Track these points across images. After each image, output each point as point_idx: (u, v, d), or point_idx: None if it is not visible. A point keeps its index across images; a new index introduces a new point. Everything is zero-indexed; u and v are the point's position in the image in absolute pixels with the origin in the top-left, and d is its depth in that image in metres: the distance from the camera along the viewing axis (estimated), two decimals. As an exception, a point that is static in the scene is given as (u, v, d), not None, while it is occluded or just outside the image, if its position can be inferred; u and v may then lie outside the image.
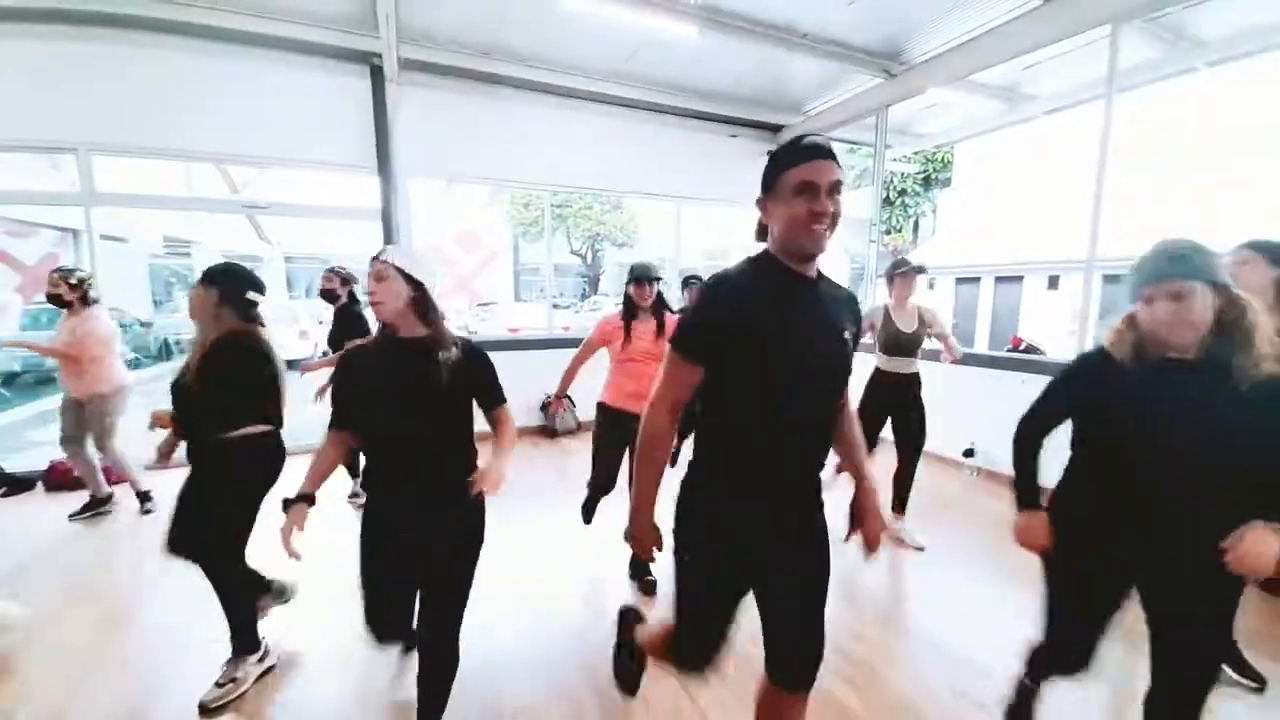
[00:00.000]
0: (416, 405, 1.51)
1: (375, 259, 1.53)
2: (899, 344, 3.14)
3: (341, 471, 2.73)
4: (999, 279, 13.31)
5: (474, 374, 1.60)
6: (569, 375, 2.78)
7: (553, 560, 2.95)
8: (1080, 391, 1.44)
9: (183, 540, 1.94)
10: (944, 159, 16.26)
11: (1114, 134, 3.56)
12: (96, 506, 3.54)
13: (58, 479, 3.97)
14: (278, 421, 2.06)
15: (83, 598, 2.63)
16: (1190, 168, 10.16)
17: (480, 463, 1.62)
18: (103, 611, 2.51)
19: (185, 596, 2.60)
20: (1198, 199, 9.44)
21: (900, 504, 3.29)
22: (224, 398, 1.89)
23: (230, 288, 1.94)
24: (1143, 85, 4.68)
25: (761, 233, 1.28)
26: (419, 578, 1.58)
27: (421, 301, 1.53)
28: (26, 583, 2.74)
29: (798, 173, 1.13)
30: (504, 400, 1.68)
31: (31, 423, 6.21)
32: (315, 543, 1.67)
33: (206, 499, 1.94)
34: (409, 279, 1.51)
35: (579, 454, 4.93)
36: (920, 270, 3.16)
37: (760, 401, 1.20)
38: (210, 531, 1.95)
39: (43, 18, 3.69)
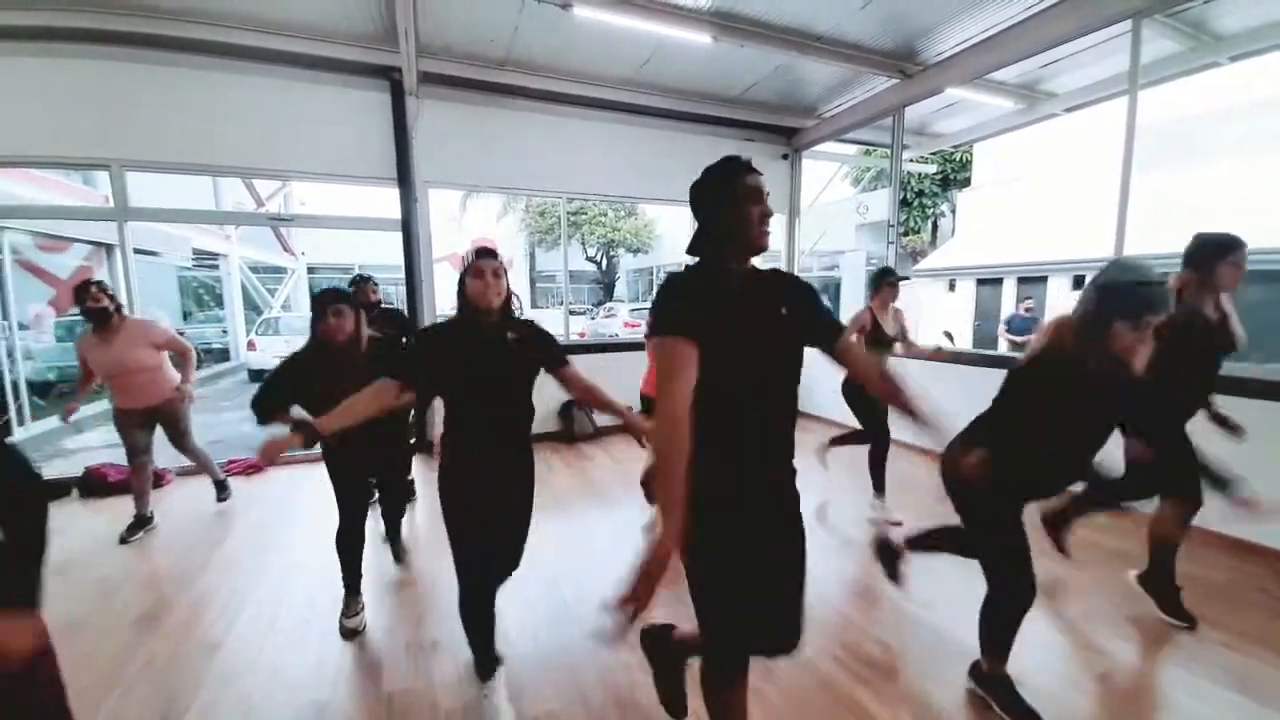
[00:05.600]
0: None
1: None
2: (885, 343, 3.57)
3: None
4: (1022, 279, 13.07)
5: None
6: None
7: (575, 568, 2.96)
8: None
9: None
10: (962, 159, 16.05)
11: (1138, 130, 3.50)
12: (145, 525, 3.46)
13: (93, 485, 4.10)
14: None
15: (114, 602, 2.69)
16: (1215, 162, 9.89)
17: None
18: (133, 616, 2.57)
19: (216, 599, 2.68)
20: (1221, 194, 9.20)
21: (880, 486, 3.67)
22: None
23: None
24: (1165, 81, 4.59)
25: (694, 245, 1.39)
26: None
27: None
28: (60, 588, 2.81)
29: (750, 180, 1.31)
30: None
31: (66, 430, 6.39)
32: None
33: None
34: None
35: (599, 459, 4.95)
36: (904, 279, 3.74)
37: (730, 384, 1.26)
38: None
39: (78, 38, 3.84)
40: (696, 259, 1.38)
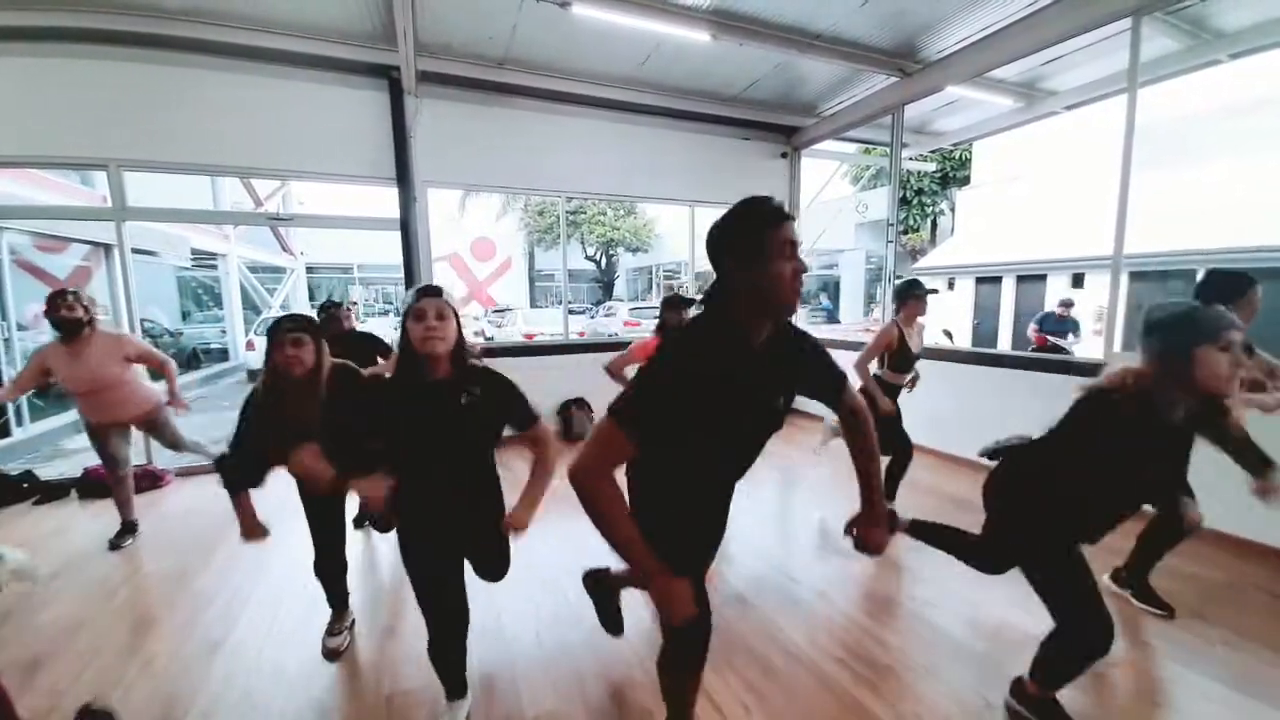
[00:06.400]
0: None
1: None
2: (909, 361, 3.36)
3: None
4: (1021, 278, 13.08)
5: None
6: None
7: (575, 568, 2.95)
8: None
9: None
10: (962, 157, 16.06)
11: (1138, 128, 3.49)
12: (134, 531, 3.38)
13: (92, 487, 4.09)
14: None
15: (115, 603, 2.69)
16: (1215, 160, 9.89)
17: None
18: (134, 616, 2.57)
19: (217, 599, 2.67)
20: (1221, 193, 9.19)
21: (892, 493, 3.48)
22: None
23: None
24: (1165, 78, 4.59)
25: (710, 298, 1.23)
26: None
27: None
28: (60, 589, 2.81)
29: (784, 232, 1.15)
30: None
31: (65, 431, 6.38)
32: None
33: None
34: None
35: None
36: (933, 292, 3.41)
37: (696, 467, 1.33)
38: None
39: (77, 38, 3.83)
40: (707, 310, 1.23)
